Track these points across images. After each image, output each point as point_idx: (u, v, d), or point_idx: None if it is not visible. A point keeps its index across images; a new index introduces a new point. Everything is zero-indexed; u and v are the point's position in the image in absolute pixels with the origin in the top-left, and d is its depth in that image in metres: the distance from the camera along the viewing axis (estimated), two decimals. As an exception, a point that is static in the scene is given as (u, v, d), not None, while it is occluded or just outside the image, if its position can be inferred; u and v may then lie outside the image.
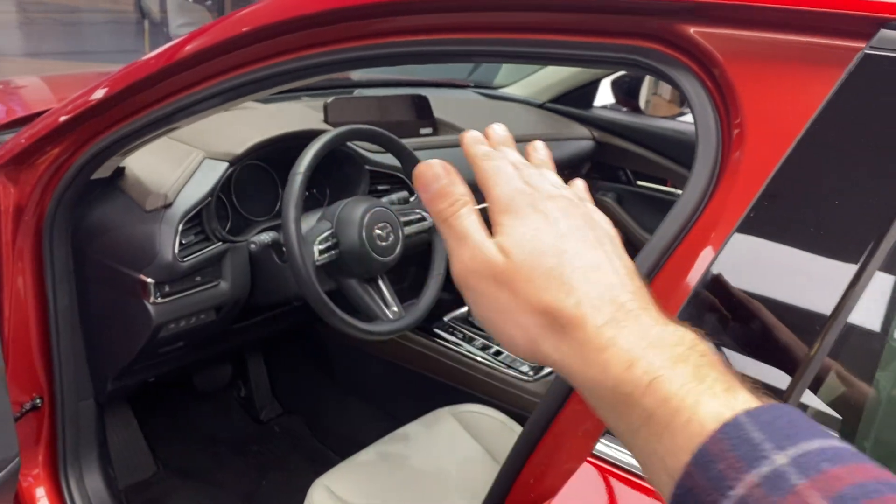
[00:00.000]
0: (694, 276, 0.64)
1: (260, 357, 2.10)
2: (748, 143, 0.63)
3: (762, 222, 0.61)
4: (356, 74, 2.23)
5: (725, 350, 0.61)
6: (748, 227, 0.61)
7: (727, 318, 0.62)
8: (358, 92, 2.08)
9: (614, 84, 2.33)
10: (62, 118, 1.21)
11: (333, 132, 1.35)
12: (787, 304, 0.60)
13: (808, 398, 0.59)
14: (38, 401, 1.44)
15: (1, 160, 1.28)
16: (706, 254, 0.64)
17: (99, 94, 1.16)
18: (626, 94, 2.33)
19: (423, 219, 1.49)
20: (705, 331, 0.45)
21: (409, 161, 1.48)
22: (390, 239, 1.38)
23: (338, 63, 0.95)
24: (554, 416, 0.71)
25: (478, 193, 0.51)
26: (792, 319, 0.60)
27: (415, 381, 1.86)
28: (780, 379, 0.59)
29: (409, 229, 1.45)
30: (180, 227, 1.29)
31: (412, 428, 1.49)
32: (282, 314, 1.73)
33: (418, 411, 1.53)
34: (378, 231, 1.36)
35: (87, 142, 1.23)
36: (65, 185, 1.27)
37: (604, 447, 0.64)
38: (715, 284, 0.62)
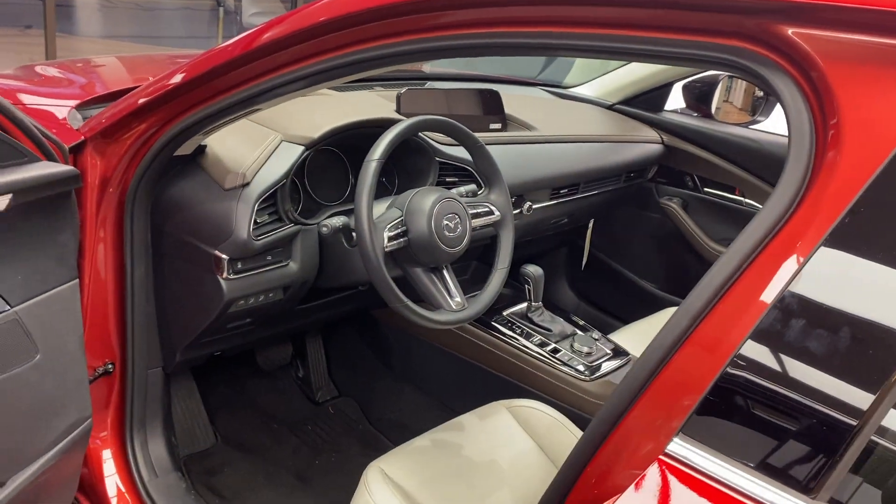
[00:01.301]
0: (778, 285, 0.62)
1: (319, 339, 2.14)
2: (845, 145, 0.62)
3: (858, 229, 0.59)
4: (427, 67, 2.24)
5: (805, 367, 0.60)
6: (843, 232, 0.59)
7: (811, 333, 0.60)
8: (429, 84, 2.09)
9: (686, 88, 2.29)
10: (148, 97, 1.25)
11: (409, 121, 1.36)
12: (877, 323, 0.58)
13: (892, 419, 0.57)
14: (109, 366, 1.49)
15: (90, 133, 1.33)
16: (791, 262, 0.63)
17: (183, 76, 1.20)
18: (698, 98, 2.28)
19: (490, 212, 1.49)
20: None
21: (480, 155, 1.48)
22: (458, 230, 1.38)
23: (411, 53, 0.96)
24: (624, 414, 0.71)
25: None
26: (879, 336, 0.58)
27: (470, 373, 1.87)
28: (862, 399, 0.57)
29: (476, 222, 1.45)
30: (256, 207, 1.32)
31: (467, 419, 1.49)
32: (344, 298, 1.75)
33: (471, 403, 1.54)
34: (447, 222, 1.36)
35: (171, 120, 1.27)
36: (148, 161, 1.31)
37: (678, 447, 0.63)
38: (802, 296, 0.61)
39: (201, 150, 1.37)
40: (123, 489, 1.44)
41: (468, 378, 1.88)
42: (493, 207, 1.50)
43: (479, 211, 1.48)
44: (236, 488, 1.73)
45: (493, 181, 1.51)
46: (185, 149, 1.34)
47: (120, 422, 1.51)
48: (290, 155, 1.39)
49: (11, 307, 1.09)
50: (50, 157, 1.13)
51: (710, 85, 2.32)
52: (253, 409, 1.98)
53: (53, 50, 5.37)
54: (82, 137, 1.32)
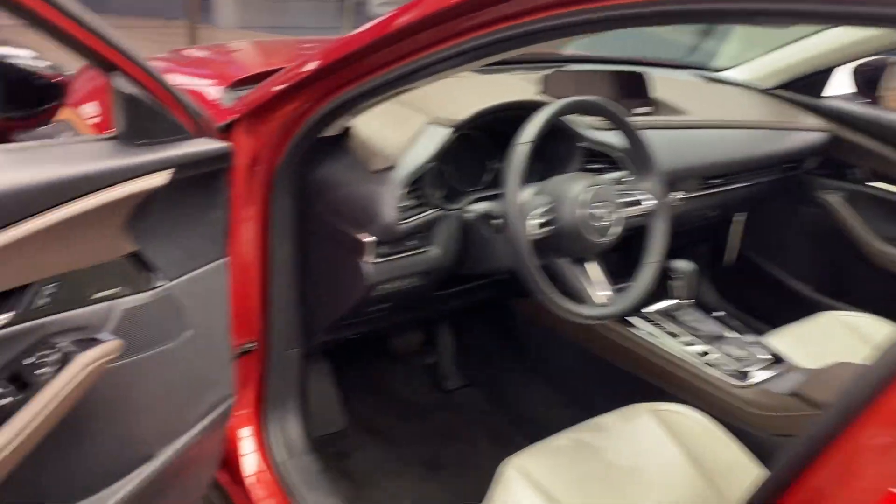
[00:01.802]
0: None
1: (450, 327, 2.10)
2: None
3: None
4: (570, 49, 2.15)
5: None
6: None
7: None
8: (573, 67, 1.99)
9: (857, 72, 2.08)
10: (299, 77, 1.24)
11: (562, 102, 1.28)
12: None
13: None
14: (251, 345, 1.51)
15: (241, 112, 1.33)
16: None
17: (333, 56, 1.17)
18: (869, 83, 2.07)
19: (643, 201, 1.39)
20: None
21: (635, 140, 1.39)
22: (609, 219, 1.29)
23: (559, 28, 0.89)
24: (844, 432, 0.61)
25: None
26: None
27: (607, 371, 1.77)
28: None
29: (627, 211, 1.36)
30: (402, 190, 1.28)
31: (609, 420, 1.40)
32: (482, 286, 1.70)
33: (608, 403, 1.45)
34: (598, 210, 1.28)
35: (320, 100, 1.25)
36: (296, 141, 1.30)
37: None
38: None
39: (348, 131, 1.35)
40: (261, 468, 1.45)
41: (605, 376, 1.78)
42: (646, 196, 1.40)
43: (630, 199, 1.38)
44: (367, 473, 1.72)
45: (648, 168, 1.41)
46: (333, 130, 1.32)
47: (258, 400, 1.53)
48: (436, 137, 1.35)
49: (168, 282, 1.10)
50: (206, 135, 1.14)
51: (880, 69, 2.10)
52: (383, 393, 1.97)
53: (196, 38, 5.64)
54: (234, 116, 1.32)
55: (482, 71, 1.74)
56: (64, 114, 1.78)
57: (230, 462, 1.46)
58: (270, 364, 1.51)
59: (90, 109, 1.76)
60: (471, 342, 2.12)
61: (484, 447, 1.86)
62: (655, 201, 1.40)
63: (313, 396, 1.79)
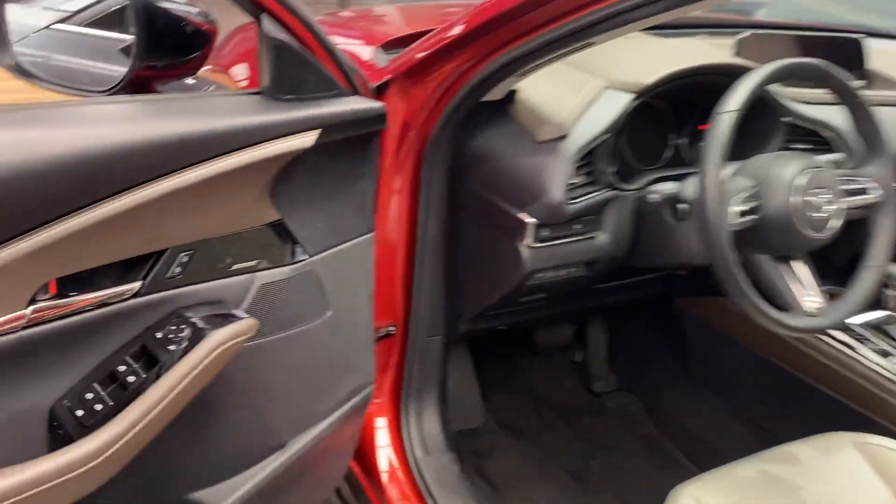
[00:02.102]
0: None
1: (603, 323, 1.91)
2: None
3: None
4: (760, 15, 1.88)
5: None
6: None
7: None
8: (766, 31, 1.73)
9: None
10: (460, 32, 1.08)
11: (775, 65, 1.06)
12: None
13: None
14: (391, 329, 1.39)
15: (394, 73, 1.20)
16: None
17: (498, 6, 1.01)
18: None
19: (867, 190, 1.14)
20: None
21: (862, 115, 1.14)
22: (829, 210, 1.06)
23: None
24: None
25: None
26: None
27: (795, 388, 1.52)
28: None
29: (848, 201, 1.11)
30: (573, 165, 1.11)
31: (801, 450, 1.17)
32: (649, 280, 1.50)
33: (795, 427, 1.22)
34: (814, 198, 1.05)
35: (482, 59, 1.09)
36: (454, 106, 1.15)
37: None
38: None
39: (512, 95, 1.19)
40: (396, 464, 1.34)
41: (792, 394, 1.53)
42: (871, 184, 1.15)
43: (851, 188, 1.14)
44: (507, 476, 1.57)
45: (877, 150, 1.15)
46: (495, 93, 1.17)
47: (396, 389, 1.41)
48: (614, 104, 1.16)
49: (309, 257, 0.99)
50: (359, 94, 1.01)
51: None
52: (526, 390, 1.81)
53: (346, 4, 5.67)
54: (388, 77, 1.19)
55: (660, 34, 1.52)
56: (212, 74, 1.73)
57: (364, 453, 1.35)
58: (411, 351, 1.39)
59: (240, 71, 1.70)
60: (627, 341, 1.91)
61: (637, 462, 1.66)
62: (883, 191, 1.14)
63: (452, 387, 1.66)
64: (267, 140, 0.86)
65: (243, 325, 0.87)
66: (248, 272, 0.92)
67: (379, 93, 1.20)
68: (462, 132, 1.21)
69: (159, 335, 0.84)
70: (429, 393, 1.44)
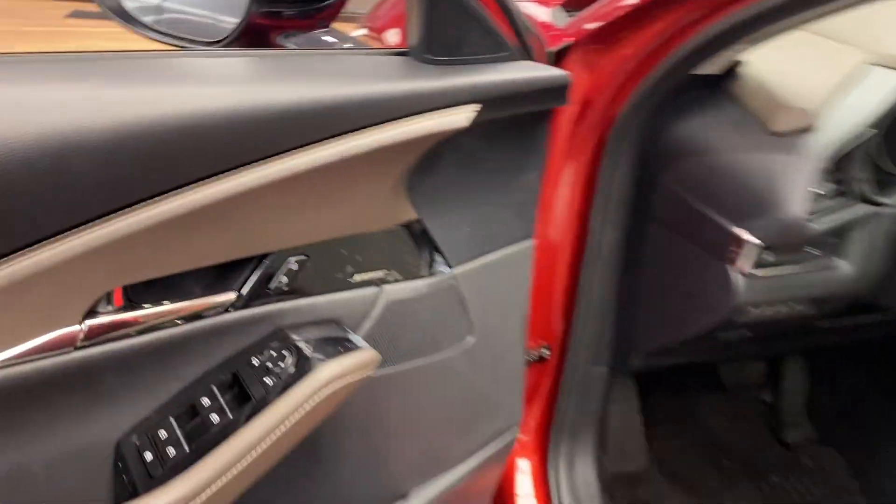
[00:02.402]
0: None
1: (802, 362, 1.56)
2: None
3: None
4: None
5: None
6: None
7: None
8: None
9: None
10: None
11: None
12: None
13: None
14: (545, 351, 1.15)
15: (577, 36, 0.95)
16: None
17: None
18: None
19: None
20: None
21: None
22: None
23: None
24: None
25: None
26: None
27: None
28: None
29: None
30: (821, 170, 0.81)
31: None
32: (888, 322, 1.16)
33: None
34: None
35: (701, 20, 0.82)
36: (654, 80, 0.89)
37: None
38: None
39: (734, 70, 0.90)
40: (540, 519, 1.10)
41: None
42: None
43: None
44: (671, 541, 1.30)
45: None
46: (711, 67, 0.89)
47: (545, 424, 1.18)
48: (884, 88, 0.84)
49: (451, 268, 0.77)
50: (533, 59, 0.77)
51: None
52: (701, 433, 1.51)
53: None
54: (568, 41, 0.94)
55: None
56: (368, 41, 1.55)
57: (501, 501, 1.13)
58: (567, 380, 1.15)
59: (393, 37, 1.50)
60: (832, 385, 1.56)
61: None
62: None
63: (610, 422, 1.39)
64: (410, 115, 0.64)
65: (363, 357, 0.67)
66: (372, 285, 0.72)
67: (555, 62, 0.96)
68: (660, 115, 0.94)
69: (256, 361, 0.65)
70: (585, 432, 1.19)
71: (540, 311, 1.11)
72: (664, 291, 1.03)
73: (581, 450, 1.21)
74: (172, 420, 0.64)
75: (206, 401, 0.64)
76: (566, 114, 0.99)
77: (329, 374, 0.64)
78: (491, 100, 0.67)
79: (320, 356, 0.65)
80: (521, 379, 0.94)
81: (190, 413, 0.64)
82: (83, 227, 0.52)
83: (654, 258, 1.03)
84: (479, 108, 0.66)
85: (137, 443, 0.63)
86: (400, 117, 0.63)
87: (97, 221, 0.52)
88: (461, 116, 0.66)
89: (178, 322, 0.62)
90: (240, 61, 0.67)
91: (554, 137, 1.00)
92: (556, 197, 1.04)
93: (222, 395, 0.64)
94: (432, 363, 0.80)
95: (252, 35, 0.70)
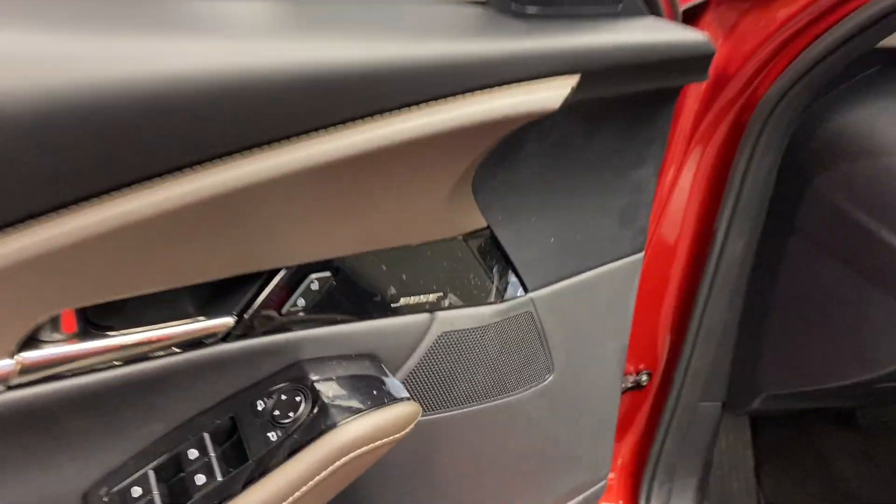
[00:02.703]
0: None
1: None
2: None
3: None
4: None
5: None
6: None
7: None
8: None
9: None
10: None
11: None
12: None
13: None
14: (643, 377, 0.96)
15: (714, -8, 0.74)
16: None
17: None
18: None
19: None
20: None
21: None
22: None
23: None
24: None
25: None
26: None
27: None
28: None
29: None
30: None
31: None
32: None
33: None
34: None
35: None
36: (817, 54, 0.67)
37: None
38: None
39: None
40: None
41: None
42: None
43: None
44: None
45: None
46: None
47: (636, 463, 0.99)
48: None
49: (527, 292, 0.59)
50: (657, 14, 0.57)
51: None
52: (823, 475, 1.28)
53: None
54: (704, -3, 0.73)
55: None
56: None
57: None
58: (669, 413, 0.96)
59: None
60: None
61: None
62: None
63: (715, 458, 1.18)
64: (486, 87, 0.46)
65: (401, 412, 0.50)
66: (421, 311, 0.55)
67: (690, 21, 0.75)
68: (822, 100, 0.72)
69: (260, 405, 0.50)
70: (685, 474, 1.00)
71: (642, 328, 0.92)
72: (806, 324, 0.82)
73: (678, 495, 1.01)
74: (151, 473, 0.49)
75: (193, 452, 0.50)
76: (693, 90, 0.78)
77: (353, 436, 0.48)
78: (598, 70, 0.48)
79: (344, 409, 0.49)
80: (613, 424, 0.76)
81: (173, 465, 0.50)
82: (11, 228, 0.37)
83: (795, 280, 0.81)
84: (578, 81, 0.47)
85: (106, 500, 0.49)
86: (472, 90, 0.45)
87: (30, 221, 0.37)
88: (555, 92, 0.47)
89: (160, 353, 0.47)
90: (256, 7, 0.51)
91: (676, 119, 0.80)
92: (674, 192, 0.84)
93: (214, 448, 0.50)
94: (498, 406, 0.63)
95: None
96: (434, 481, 0.65)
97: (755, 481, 1.23)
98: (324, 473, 0.48)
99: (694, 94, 0.79)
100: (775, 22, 0.70)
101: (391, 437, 0.50)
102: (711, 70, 0.75)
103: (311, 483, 0.48)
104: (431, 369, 0.57)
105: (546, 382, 0.65)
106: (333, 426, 0.48)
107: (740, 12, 0.73)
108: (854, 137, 0.71)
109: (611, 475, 0.99)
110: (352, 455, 0.48)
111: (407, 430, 0.51)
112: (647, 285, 0.88)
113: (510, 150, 0.52)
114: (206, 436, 0.50)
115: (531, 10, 0.50)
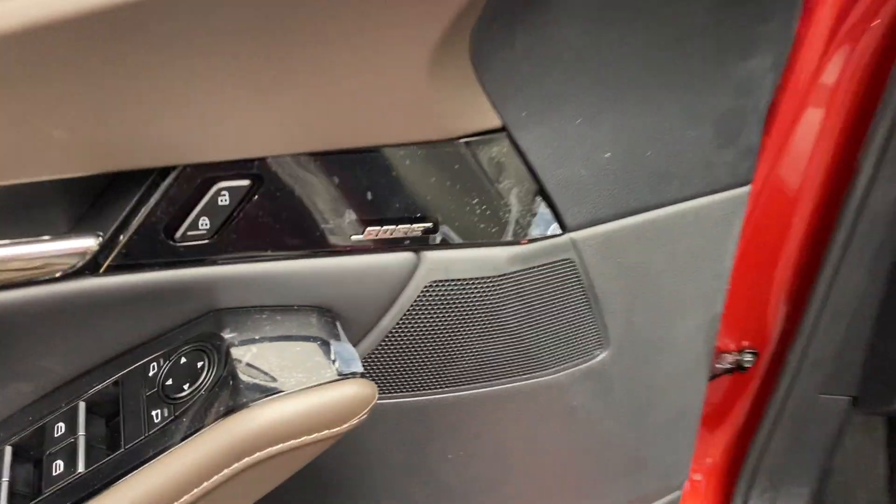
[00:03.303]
0: None
1: None
2: None
3: None
4: None
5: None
6: None
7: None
8: None
9: None
10: None
11: None
12: None
13: None
14: (748, 357, 0.76)
15: None
16: None
17: None
18: None
19: None
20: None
21: None
22: None
23: None
24: None
25: None
26: None
27: None
28: None
29: None
30: None
31: None
32: None
33: None
34: None
35: None
36: None
37: None
38: None
39: None
40: None
41: None
42: None
43: None
44: None
45: None
46: None
47: (732, 462, 0.80)
48: None
49: (565, 232, 0.41)
50: None
51: None
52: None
53: None
54: None
55: None
56: None
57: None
58: (778, 405, 0.76)
59: None
60: None
61: None
62: None
63: (836, 463, 0.97)
64: None
65: (345, 394, 0.34)
66: (401, 248, 0.38)
67: None
68: None
69: (153, 369, 0.35)
70: (796, 482, 0.82)
71: (748, 294, 0.72)
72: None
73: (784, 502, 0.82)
74: (7, 450, 0.36)
75: (60, 427, 0.36)
76: (819, 20, 0.56)
77: (268, 423, 0.33)
78: None
79: (261, 385, 0.33)
80: (695, 420, 0.58)
81: (38, 437, 0.36)
82: None
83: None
84: None
85: None
86: None
87: None
88: None
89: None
90: None
91: (806, 13, 0.58)
92: (804, 108, 0.62)
93: (86, 424, 0.35)
94: (522, 390, 0.45)
95: None
96: (437, 482, 0.49)
97: (887, 493, 1.01)
98: (224, 473, 0.33)
99: (828, 18, 0.57)
100: None
101: (332, 431, 0.34)
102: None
103: (204, 486, 0.33)
104: (416, 336, 0.40)
105: (596, 361, 0.47)
106: (242, 407, 0.33)
107: None
108: None
109: (697, 477, 0.81)
110: (268, 451, 0.33)
111: (356, 420, 0.35)
112: (757, 236, 0.68)
113: (528, 6, 0.34)
114: (82, 405, 0.36)
115: None
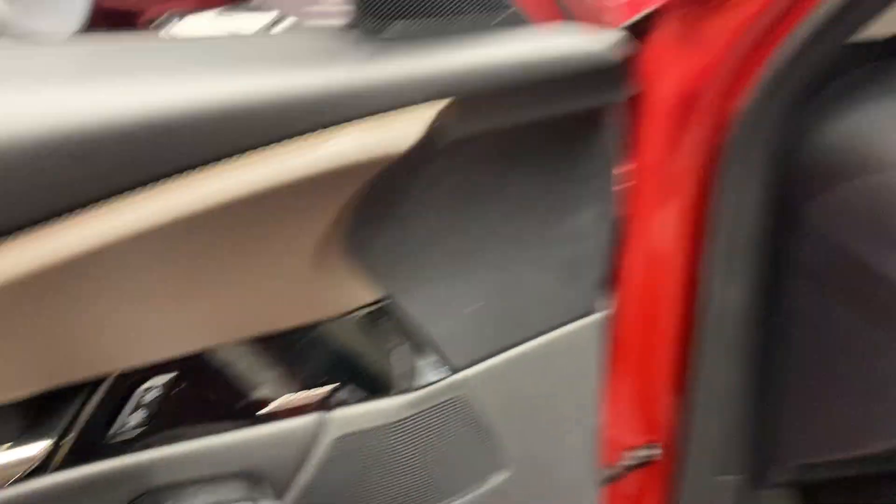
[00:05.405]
0: None
1: None
2: None
3: None
4: None
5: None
6: None
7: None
8: None
9: None
10: None
11: None
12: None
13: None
14: (654, 451, 0.85)
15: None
16: None
17: None
18: None
19: None
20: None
21: None
22: None
23: None
24: None
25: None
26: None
27: None
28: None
29: None
30: None
31: None
32: None
33: None
34: None
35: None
36: (788, 55, 0.58)
37: None
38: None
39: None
40: None
41: None
42: None
43: None
44: None
45: None
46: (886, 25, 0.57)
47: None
48: None
49: (453, 373, 0.50)
50: (571, 19, 0.49)
51: None
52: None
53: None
54: (655, 5, 0.65)
55: None
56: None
57: None
58: (683, 492, 0.83)
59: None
60: None
61: None
62: None
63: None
64: (318, 128, 0.38)
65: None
66: (307, 411, 0.46)
67: (638, 36, 0.66)
68: (804, 111, 0.63)
69: None
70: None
71: (642, 394, 0.81)
72: (823, 381, 0.70)
73: None
74: None
75: None
76: (658, 112, 0.69)
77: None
78: (477, 93, 0.40)
79: None
80: None
81: None
82: None
83: (809, 330, 0.70)
84: (440, 111, 0.39)
85: None
86: (302, 132, 0.37)
87: None
88: (408, 128, 0.39)
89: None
90: (84, 51, 0.44)
91: (643, 148, 0.70)
92: (653, 235, 0.74)
93: None
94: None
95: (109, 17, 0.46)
96: None
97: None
98: None
99: (664, 113, 0.70)
100: (739, 24, 0.61)
101: None
102: (677, 85, 0.66)
103: None
104: (330, 485, 0.47)
105: (493, 483, 0.55)
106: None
107: (698, 18, 0.64)
108: (847, 153, 0.61)
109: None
110: None
111: None
112: (639, 342, 0.78)
113: (394, 200, 0.44)
114: None
115: (392, 33, 0.42)
